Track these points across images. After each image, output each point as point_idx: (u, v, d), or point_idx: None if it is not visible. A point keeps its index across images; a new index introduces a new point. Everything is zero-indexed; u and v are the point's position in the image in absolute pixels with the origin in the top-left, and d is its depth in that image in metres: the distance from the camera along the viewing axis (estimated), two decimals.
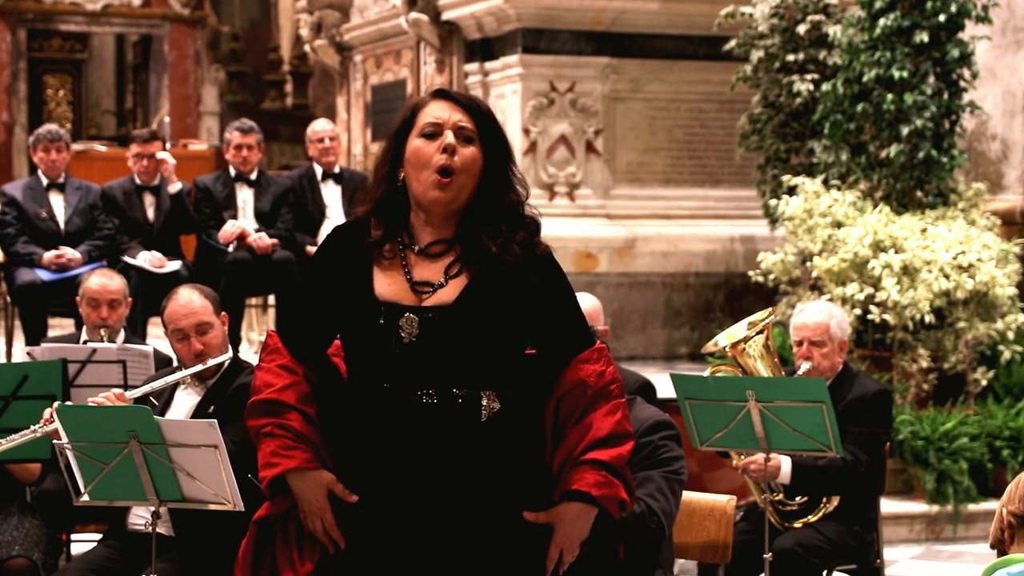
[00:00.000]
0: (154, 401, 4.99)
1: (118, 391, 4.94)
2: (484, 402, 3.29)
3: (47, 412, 4.74)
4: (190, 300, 5.06)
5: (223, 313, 5.17)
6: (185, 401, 5.09)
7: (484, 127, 3.32)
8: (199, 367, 5.00)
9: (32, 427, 4.71)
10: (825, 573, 5.82)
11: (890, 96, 8.25)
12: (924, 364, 8.05)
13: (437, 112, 3.31)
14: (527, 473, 3.35)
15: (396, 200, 3.35)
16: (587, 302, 5.86)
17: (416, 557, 3.29)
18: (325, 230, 9.15)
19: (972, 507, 7.80)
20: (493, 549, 3.30)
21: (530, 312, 3.33)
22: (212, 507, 4.51)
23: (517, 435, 3.33)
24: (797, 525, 5.79)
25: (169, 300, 5.11)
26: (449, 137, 3.27)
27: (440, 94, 3.36)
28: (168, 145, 11.51)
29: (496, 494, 3.30)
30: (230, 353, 5.11)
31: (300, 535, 3.38)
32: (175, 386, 5.09)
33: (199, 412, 4.99)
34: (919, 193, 8.45)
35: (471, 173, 3.29)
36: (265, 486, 3.37)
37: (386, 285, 3.32)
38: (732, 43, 9.54)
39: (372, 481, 3.32)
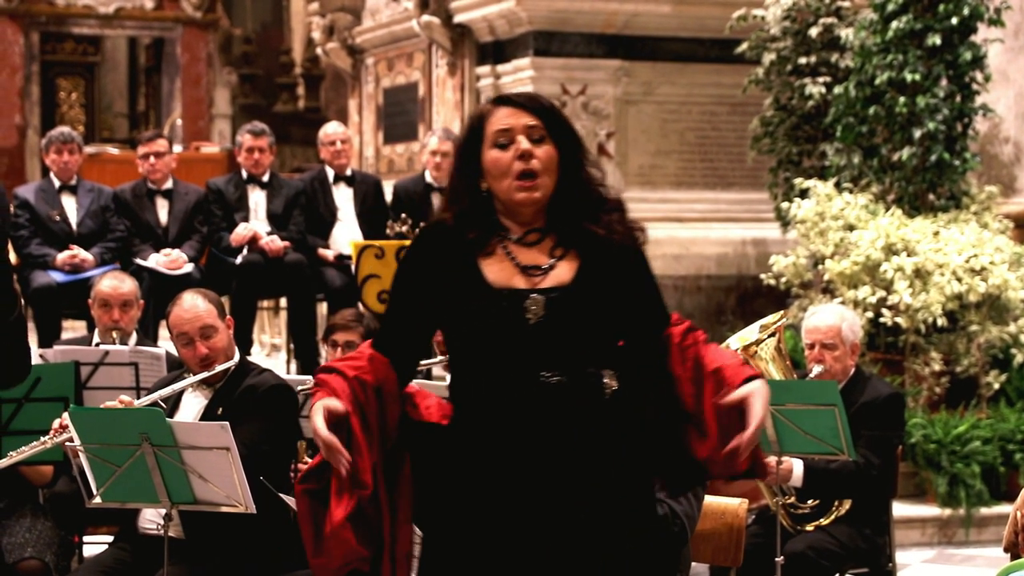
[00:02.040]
0: (162, 404, 4.99)
1: (126, 398, 4.95)
2: (606, 380, 3.37)
3: (56, 423, 4.75)
4: (194, 305, 5.07)
5: (228, 317, 5.18)
6: (193, 404, 5.09)
7: (551, 122, 3.40)
8: (206, 374, 5.00)
9: (43, 438, 4.72)
10: None
11: (902, 99, 8.23)
12: (936, 367, 8.04)
13: (504, 120, 3.39)
14: (655, 452, 3.41)
15: (482, 209, 3.42)
16: None
17: (540, 540, 3.31)
18: (337, 232, 9.18)
19: (984, 511, 7.78)
20: (622, 534, 3.34)
21: (638, 288, 3.43)
22: (224, 509, 4.52)
23: (633, 416, 3.39)
24: (809, 528, 5.78)
25: (173, 305, 5.12)
26: (523, 143, 3.36)
27: (502, 100, 3.44)
28: (179, 147, 11.52)
29: (624, 471, 3.36)
30: (236, 357, 5.12)
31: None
32: (183, 389, 5.10)
33: (207, 415, 4.99)
34: (931, 196, 8.44)
35: (551, 169, 3.38)
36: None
37: (496, 272, 3.37)
38: (744, 46, 9.53)
39: (497, 472, 3.33)
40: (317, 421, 3.29)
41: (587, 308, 3.35)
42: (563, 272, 3.38)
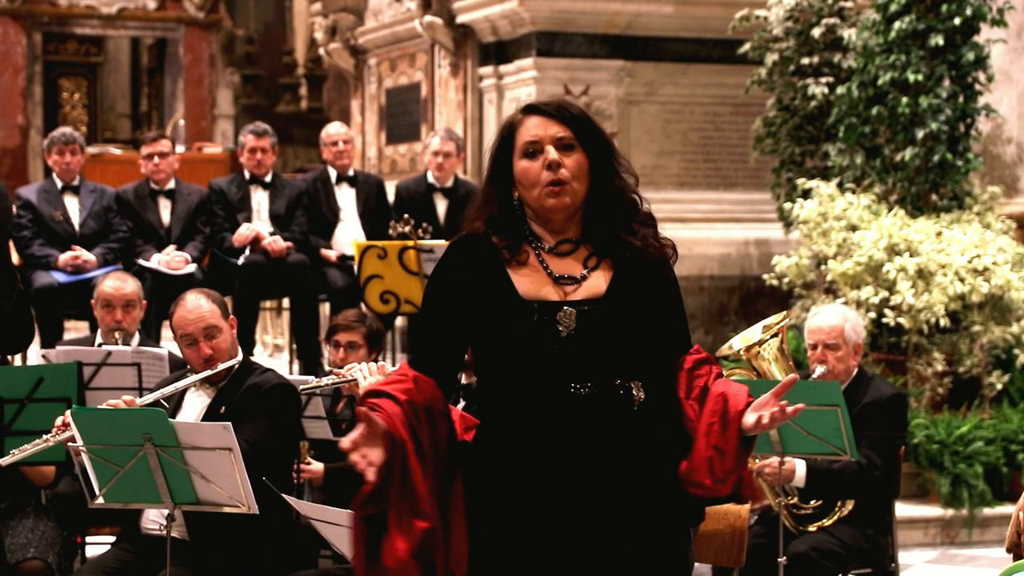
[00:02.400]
0: (164, 403, 4.99)
1: (128, 397, 4.95)
2: (635, 392, 3.36)
3: (59, 420, 4.75)
4: (198, 305, 5.07)
5: (231, 317, 5.18)
6: (196, 403, 5.10)
7: (580, 131, 3.40)
8: (208, 372, 5.00)
9: (45, 436, 4.72)
10: None
11: (905, 99, 8.23)
12: (939, 368, 8.03)
13: (533, 129, 3.39)
14: (671, 463, 3.40)
15: (513, 217, 3.42)
16: None
17: (570, 550, 3.30)
18: (339, 233, 9.17)
19: (987, 511, 7.78)
20: (644, 541, 3.36)
21: (667, 306, 3.43)
22: (227, 510, 4.52)
23: (660, 427, 3.40)
24: (812, 529, 5.78)
25: (177, 306, 5.12)
26: (552, 153, 3.36)
27: (531, 110, 3.43)
28: (181, 148, 11.52)
29: (650, 482, 3.35)
30: (240, 356, 5.12)
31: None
32: (185, 388, 5.10)
33: (210, 414, 5.00)
34: (934, 196, 8.43)
35: (581, 178, 3.38)
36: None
37: (527, 284, 3.37)
38: (747, 46, 9.53)
39: (526, 483, 3.32)
40: (349, 435, 3.23)
41: (619, 321, 3.35)
42: (596, 283, 3.37)
